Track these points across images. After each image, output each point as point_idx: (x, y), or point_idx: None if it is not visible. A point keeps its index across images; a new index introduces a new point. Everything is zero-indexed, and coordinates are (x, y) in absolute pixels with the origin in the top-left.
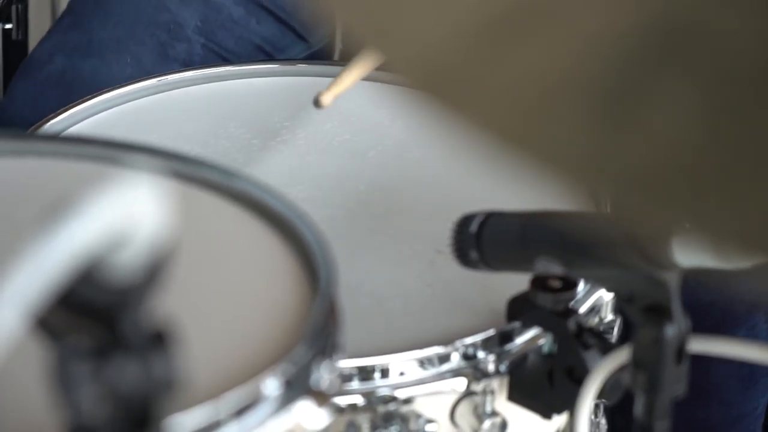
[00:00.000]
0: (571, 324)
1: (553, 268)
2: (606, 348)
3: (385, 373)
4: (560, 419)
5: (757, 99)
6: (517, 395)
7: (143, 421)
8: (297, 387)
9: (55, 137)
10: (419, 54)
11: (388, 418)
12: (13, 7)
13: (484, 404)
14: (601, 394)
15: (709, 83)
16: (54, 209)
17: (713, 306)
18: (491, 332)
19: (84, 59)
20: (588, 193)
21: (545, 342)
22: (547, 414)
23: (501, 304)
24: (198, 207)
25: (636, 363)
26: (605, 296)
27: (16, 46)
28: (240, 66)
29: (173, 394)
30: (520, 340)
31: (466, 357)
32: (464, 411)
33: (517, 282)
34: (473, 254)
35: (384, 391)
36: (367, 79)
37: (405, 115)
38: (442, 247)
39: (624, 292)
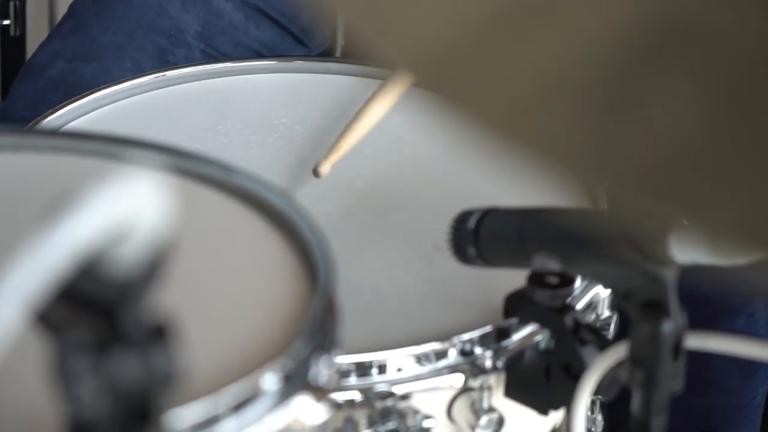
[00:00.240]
0: (568, 320)
1: (550, 264)
2: (603, 344)
3: (382, 369)
4: (557, 415)
5: (755, 95)
6: (514, 391)
7: (143, 415)
8: (295, 382)
9: (55, 132)
10: (420, 50)
11: (386, 414)
12: (11, 4)
13: (481, 400)
14: (598, 390)
15: (708, 80)
16: (54, 204)
17: (713, 294)
18: (488, 328)
19: (85, 64)
20: (585, 190)
21: (542, 338)
22: (544, 410)
23: (498, 301)
24: (197, 202)
25: (633, 359)
26: (602, 293)
27: (14, 42)
28: (238, 62)
29: (173, 389)
30: (517, 336)
31: (463, 353)
32: (461, 407)
33: (515, 278)
34: (471, 250)
35: (381, 387)
36: (364, 75)
37: (403, 112)
38: (440, 243)
39: (621, 289)
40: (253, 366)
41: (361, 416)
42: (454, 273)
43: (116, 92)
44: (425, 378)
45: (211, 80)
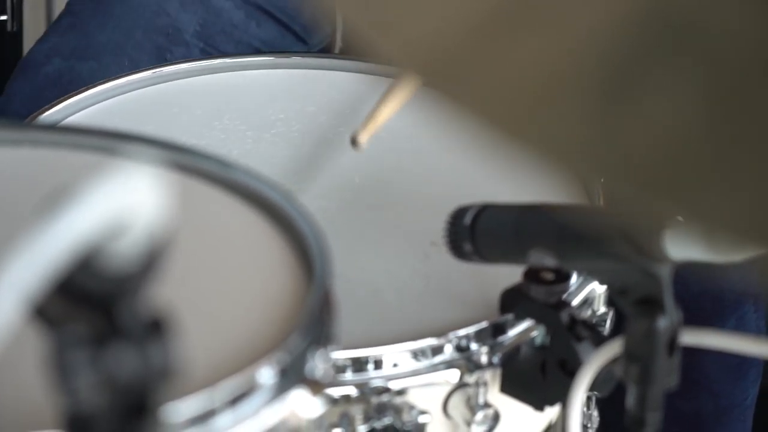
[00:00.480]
0: (564, 316)
1: (546, 260)
2: (598, 340)
3: (378, 364)
4: (552, 411)
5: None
6: (509, 387)
7: (140, 409)
8: (292, 376)
9: (53, 127)
10: (418, 47)
11: (381, 410)
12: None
13: (476, 396)
14: (594, 386)
15: (705, 75)
16: (52, 198)
17: (703, 296)
18: (484, 324)
19: (81, 62)
20: (582, 186)
21: (538, 334)
22: (539, 406)
23: (494, 297)
24: (194, 197)
25: (628, 355)
26: (598, 289)
27: (11, 37)
28: (235, 58)
29: (170, 382)
30: (513, 332)
31: (459, 349)
32: (457, 402)
33: (511, 274)
34: (467, 246)
35: (377, 383)
36: (361, 71)
37: (400, 108)
38: (437, 239)
39: (617, 285)
40: (250, 360)
41: (356, 411)
42: (451, 269)
43: (114, 88)
44: (421, 373)
45: (208, 76)
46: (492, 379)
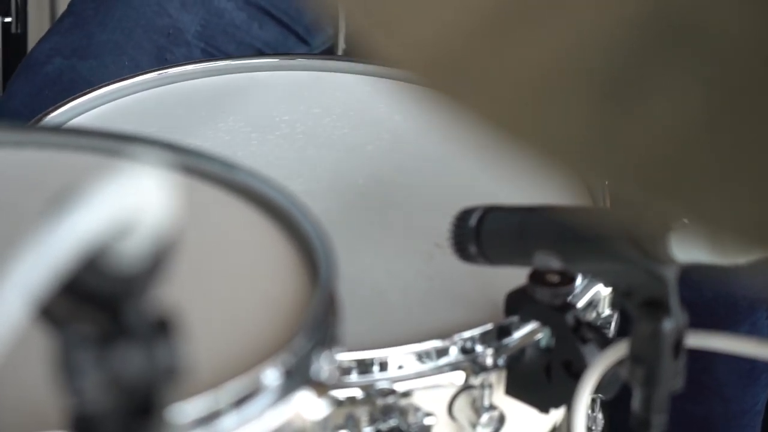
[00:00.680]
0: (569, 318)
1: (551, 262)
2: (604, 342)
3: (383, 366)
4: (558, 413)
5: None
6: (514, 389)
7: (145, 409)
8: (297, 377)
9: (58, 129)
10: (420, 47)
11: (387, 411)
12: (13, 1)
13: (482, 398)
14: (599, 389)
15: (709, 75)
16: (58, 199)
17: (715, 302)
18: (489, 326)
19: (82, 61)
20: (586, 187)
21: (543, 336)
22: (544, 408)
23: (499, 299)
24: (199, 199)
25: (634, 357)
26: (603, 291)
27: (15, 39)
28: (240, 60)
29: (175, 383)
30: (518, 334)
31: (464, 351)
32: (462, 404)
33: (516, 276)
34: (472, 248)
35: (382, 384)
36: (366, 73)
37: (403, 109)
38: (441, 240)
39: (622, 287)
40: (255, 361)
41: (362, 413)
42: (455, 270)
43: (118, 89)
44: (426, 375)
45: (212, 77)
46: (497, 381)
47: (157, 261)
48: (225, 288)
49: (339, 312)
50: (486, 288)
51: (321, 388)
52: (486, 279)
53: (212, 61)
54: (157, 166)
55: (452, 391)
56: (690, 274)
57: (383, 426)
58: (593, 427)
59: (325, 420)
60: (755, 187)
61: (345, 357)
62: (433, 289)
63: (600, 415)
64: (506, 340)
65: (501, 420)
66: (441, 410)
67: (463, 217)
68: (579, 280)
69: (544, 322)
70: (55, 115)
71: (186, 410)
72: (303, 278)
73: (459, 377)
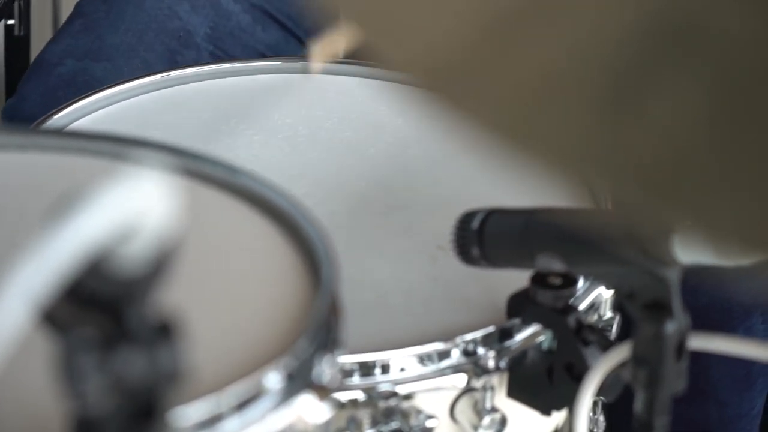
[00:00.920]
0: (571, 321)
1: (553, 264)
2: (606, 345)
3: (385, 368)
4: (559, 416)
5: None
6: (516, 392)
7: (148, 413)
8: (299, 381)
9: (61, 132)
10: (423, 51)
11: (389, 414)
12: (16, 3)
13: (483, 400)
14: (601, 391)
15: (711, 79)
16: (61, 203)
17: (710, 308)
18: (491, 329)
19: (95, 63)
20: (588, 190)
21: (545, 339)
22: (546, 410)
23: (501, 301)
24: (201, 202)
25: (636, 359)
26: (605, 293)
27: (18, 41)
28: (243, 63)
29: (178, 386)
30: (520, 336)
31: (466, 353)
32: (464, 407)
33: (518, 279)
34: (474, 251)
35: (384, 387)
36: (368, 76)
37: (406, 112)
38: (444, 243)
39: (624, 289)
40: (257, 365)
41: (364, 416)
42: (458, 273)
43: (121, 92)
44: (428, 378)
45: (215, 80)
46: (499, 383)
47: (160, 265)
48: (227, 291)
49: (341, 315)
50: (488, 290)
51: (323, 391)
52: (488, 281)
53: (215, 63)
54: (160, 170)
55: (454, 394)
56: (692, 276)
57: (385, 428)
58: (595, 430)
59: (327, 423)
60: (756, 188)
61: (347, 359)
62: (436, 291)
63: (602, 418)
64: (508, 343)
65: (503, 422)
66: (443, 413)
67: (466, 219)
68: (581, 283)
69: (546, 324)
70: (58, 117)
71: (188, 413)
72: (305, 281)
73: (461, 380)
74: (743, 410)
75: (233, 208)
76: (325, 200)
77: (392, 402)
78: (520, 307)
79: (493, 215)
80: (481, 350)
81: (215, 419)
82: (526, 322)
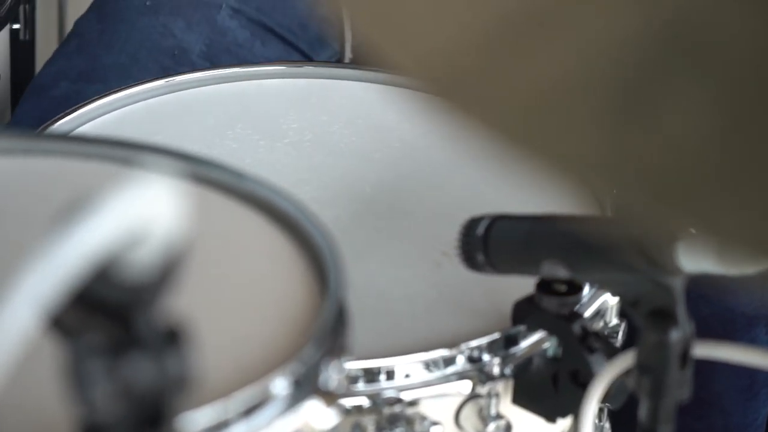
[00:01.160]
0: (576, 328)
1: (558, 271)
2: (611, 352)
3: (390, 375)
4: (564, 423)
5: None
6: (521, 398)
7: (155, 419)
8: (306, 387)
9: (68, 137)
10: (429, 56)
11: (394, 420)
12: (21, 8)
13: (488, 407)
14: (606, 398)
15: (719, 87)
16: (68, 208)
17: (713, 318)
18: (496, 335)
19: (88, 85)
20: (594, 197)
21: (550, 345)
22: (551, 417)
23: (506, 308)
24: (208, 207)
25: (641, 367)
26: (610, 300)
27: (24, 46)
28: (247, 67)
29: (185, 392)
30: (525, 343)
31: (471, 360)
32: (469, 414)
33: (523, 285)
34: (480, 257)
35: (389, 393)
36: (373, 81)
37: (411, 117)
38: (449, 249)
39: (629, 296)
40: (264, 371)
41: (369, 422)
42: (463, 279)
43: (125, 97)
44: (433, 384)
45: (220, 85)
46: (504, 390)
47: (167, 270)
48: (234, 297)
49: (348, 321)
50: (493, 297)
51: (330, 397)
52: (493, 288)
53: (219, 68)
54: (167, 175)
55: (459, 400)
56: (695, 286)
57: None
58: None
59: (333, 429)
60: (764, 197)
61: (352, 365)
62: (441, 297)
63: (607, 425)
64: (513, 350)
65: (508, 429)
66: (448, 419)
67: (471, 225)
68: (586, 290)
69: (552, 331)
70: (63, 123)
71: (195, 419)
72: (312, 287)
73: (466, 386)
74: (747, 420)
75: (239, 213)
76: (331, 205)
77: (397, 408)
78: (526, 313)
79: (498, 221)
80: (486, 357)
81: (222, 425)
82: (532, 329)
